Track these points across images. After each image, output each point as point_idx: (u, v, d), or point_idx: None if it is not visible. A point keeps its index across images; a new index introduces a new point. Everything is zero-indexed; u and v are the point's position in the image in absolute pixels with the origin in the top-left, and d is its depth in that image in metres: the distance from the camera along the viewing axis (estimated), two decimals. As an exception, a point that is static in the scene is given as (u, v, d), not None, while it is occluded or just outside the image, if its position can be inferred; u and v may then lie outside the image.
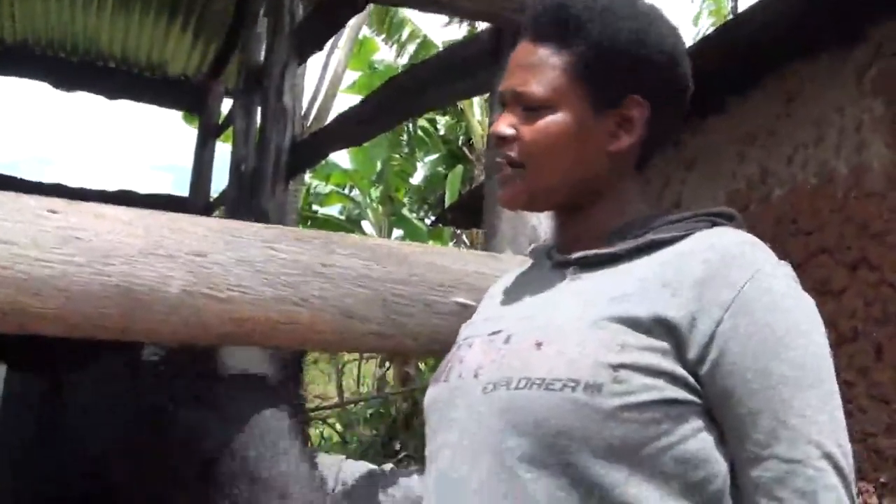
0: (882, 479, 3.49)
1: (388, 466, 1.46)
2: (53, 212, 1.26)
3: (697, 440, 1.00)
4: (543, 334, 1.07)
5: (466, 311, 1.54)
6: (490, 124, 1.25)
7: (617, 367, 0.99)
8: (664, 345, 1.01)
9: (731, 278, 1.02)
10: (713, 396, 1.01)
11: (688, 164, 5.02)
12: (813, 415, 0.98)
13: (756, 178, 4.52)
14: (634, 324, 1.02)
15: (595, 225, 1.19)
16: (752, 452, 0.99)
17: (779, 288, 1.03)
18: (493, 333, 1.16)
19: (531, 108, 1.16)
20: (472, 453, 1.06)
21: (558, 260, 1.20)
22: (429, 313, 1.52)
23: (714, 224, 1.13)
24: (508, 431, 1.02)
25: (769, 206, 4.39)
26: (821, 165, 4.09)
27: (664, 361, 1.01)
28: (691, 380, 1.01)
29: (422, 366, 11.43)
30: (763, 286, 1.02)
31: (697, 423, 1.01)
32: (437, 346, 1.55)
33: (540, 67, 1.15)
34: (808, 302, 1.06)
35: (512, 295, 1.27)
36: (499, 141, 1.18)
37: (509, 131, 1.17)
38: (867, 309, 3.68)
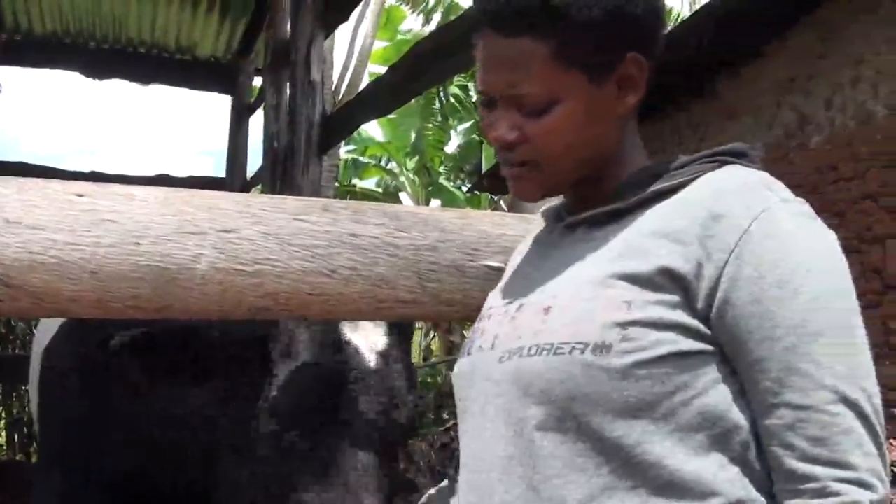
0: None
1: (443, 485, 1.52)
2: (80, 195, 1.27)
3: (717, 392, 0.99)
4: (551, 299, 1.07)
5: (498, 275, 1.53)
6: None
7: (625, 324, 0.98)
8: (673, 297, 0.99)
9: (735, 220, 0.99)
10: (725, 345, 0.99)
11: (728, 113, 4.92)
12: (828, 360, 0.94)
13: (794, 126, 4.44)
14: (639, 279, 1.00)
15: (604, 183, 1.16)
16: (764, 400, 0.97)
17: (787, 227, 0.99)
18: (509, 303, 1.16)
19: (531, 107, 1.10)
20: (494, 425, 1.06)
21: (569, 221, 1.18)
22: (460, 278, 1.51)
23: (722, 163, 1.09)
24: (524, 400, 1.02)
25: (808, 153, 4.30)
26: (858, 107, 4.00)
27: (674, 314, 0.98)
28: (704, 329, 0.99)
29: (466, 334, 11.44)
30: (770, 226, 0.98)
31: (715, 374, 0.99)
32: (473, 311, 1.54)
33: (524, 63, 1.07)
34: (825, 240, 1.01)
35: (526, 261, 1.27)
36: (504, 145, 1.13)
37: (513, 135, 1.11)
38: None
